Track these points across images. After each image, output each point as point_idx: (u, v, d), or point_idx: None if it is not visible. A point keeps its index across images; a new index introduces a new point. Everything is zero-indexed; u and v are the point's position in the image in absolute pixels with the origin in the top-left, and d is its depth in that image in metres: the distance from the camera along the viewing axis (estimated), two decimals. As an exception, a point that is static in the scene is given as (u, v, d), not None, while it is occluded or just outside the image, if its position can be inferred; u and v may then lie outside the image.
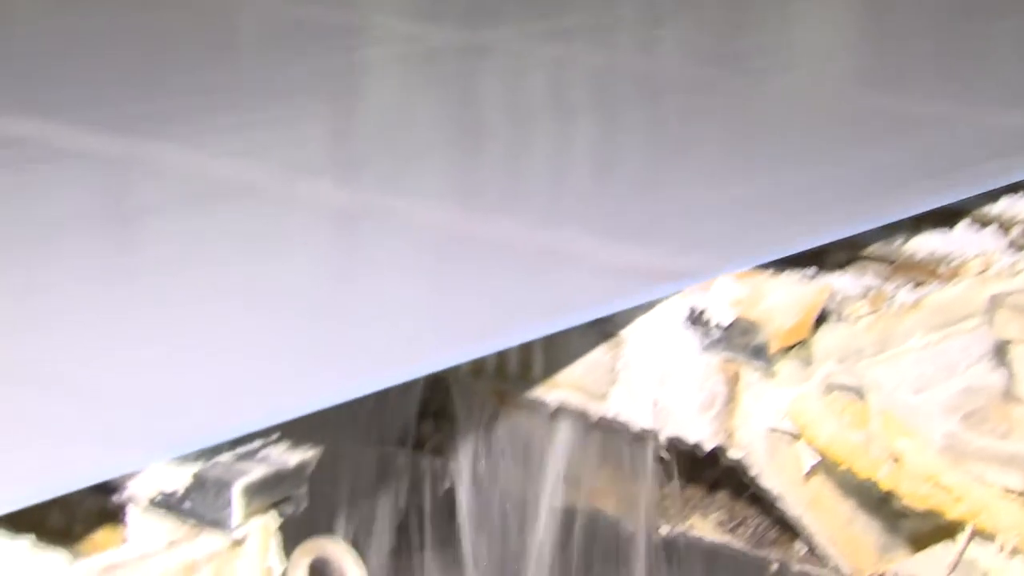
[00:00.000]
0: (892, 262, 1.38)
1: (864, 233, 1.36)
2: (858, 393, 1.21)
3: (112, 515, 1.04)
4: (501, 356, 1.32)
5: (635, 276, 1.23)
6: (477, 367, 1.34)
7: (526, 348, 1.31)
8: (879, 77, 1.81)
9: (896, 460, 1.19)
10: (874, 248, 1.39)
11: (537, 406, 1.36)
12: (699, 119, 1.65)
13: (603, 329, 1.26)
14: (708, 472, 1.42)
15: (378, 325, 1.13)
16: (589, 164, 1.56)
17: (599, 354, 1.27)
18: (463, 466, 1.52)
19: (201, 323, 1.13)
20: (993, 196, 1.44)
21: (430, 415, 1.54)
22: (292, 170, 1.44)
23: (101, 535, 1.06)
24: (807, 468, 1.25)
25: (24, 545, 0.93)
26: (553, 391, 1.31)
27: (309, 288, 1.21)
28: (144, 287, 1.20)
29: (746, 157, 1.53)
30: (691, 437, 1.24)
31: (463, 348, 1.12)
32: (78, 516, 1.07)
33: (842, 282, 1.29)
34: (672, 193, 1.42)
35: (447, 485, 1.56)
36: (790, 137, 1.59)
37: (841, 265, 1.37)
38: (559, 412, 1.35)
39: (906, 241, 1.39)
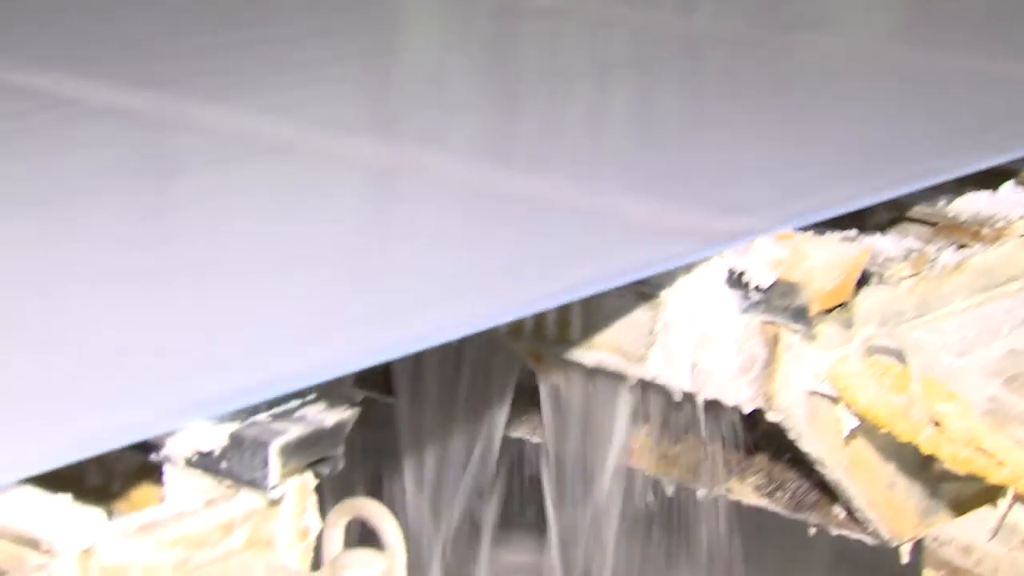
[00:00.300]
0: (935, 223, 1.37)
1: (907, 194, 1.34)
2: (899, 356, 1.20)
3: (150, 474, 1.04)
4: (538, 317, 1.32)
5: (675, 237, 1.22)
6: (515, 328, 1.33)
7: (564, 309, 1.30)
8: (924, 34, 1.79)
9: (937, 424, 1.19)
10: (917, 209, 1.38)
11: (575, 368, 1.36)
12: (740, 78, 1.63)
13: (642, 290, 1.25)
14: (747, 435, 1.42)
15: (414, 285, 1.12)
16: (629, 124, 1.55)
17: (638, 316, 1.27)
18: (503, 429, 1.52)
19: (236, 282, 1.13)
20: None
21: (470, 378, 1.54)
22: (328, 127, 1.43)
23: (139, 493, 1.07)
24: (847, 431, 1.24)
25: (62, 502, 0.93)
26: (591, 353, 1.30)
27: (345, 246, 1.21)
28: (179, 246, 1.20)
29: (788, 117, 1.51)
30: (730, 400, 1.23)
31: (502, 309, 1.11)
32: (116, 474, 1.07)
33: (884, 243, 1.28)
34: (712, 153, 1.41)
35: (480, 446, 1.56)
36: (832, 96, 1.58)
37: (883, 226, 1.36)
38: (597, 373, 1.35)
39: (949, 202, 1.37)
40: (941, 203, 1.38)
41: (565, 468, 1.51)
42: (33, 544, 0.91)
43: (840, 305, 1.21)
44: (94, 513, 0.93)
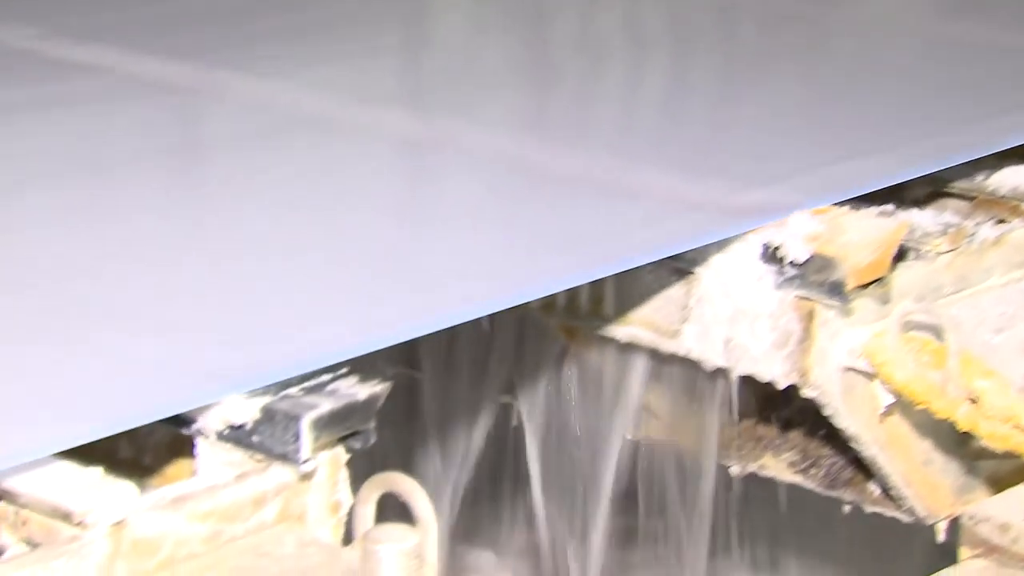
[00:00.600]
0: (973, 198, 1.36)
1: (945, 168, 1.33)
2: (936, 332, 1.19)
3: (182, 447, 1.04)
4: (571, 292, 1.31)
5: (709, 212, 1.21)
6: (547, 303, 1.32)
7: (597, 284, 1.29)
8: (963, 7, 1.77)
9: (974, 400, 1.18)
10: (955, 183, 1.36)
11: (608, 343, 1.35)
12: (776, 51, 1.62)
13: (676, 266, 1.25)
14: (781, 411, 1.41)
15: (448, 260, 1.12)
16: (662, 98, 1.54)
17: (672, 291, 1.26)
18: (534, 403, 1.52)
19: (270, 256, 1.12)
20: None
21: (500, 353, 1.54)
22: (364, 102, 1.43)
23: (171, 467, 1.07)
24: (883, 408, 1.23)
25: (95, 476, 0.93)
26: (624, 328, 1.29)
27: (379, 221, 1.20)
28: (214, 220, 1.20)
29: (824, 90, 1.50)
30: (764, 375, 1.22)
31: (534, 285, 1.10)
32: (148, 448, 1.07)
33: (921, 218, 1.26)
34: (747, 127, 1.40)
35: (516, 422, 1.56)
36: (869, 69, 1.56)
37: (920, 201, 1.35)
38: (630, 349, 1.34)
39: (988, 176, 1.36)
40: (980, 177, 1.36)
41: (589, 442, 1.50)
42: (66, 517, 0.91)
43: (877, 280, 1.20)
44: (126, 486, 0.93)
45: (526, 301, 1.10)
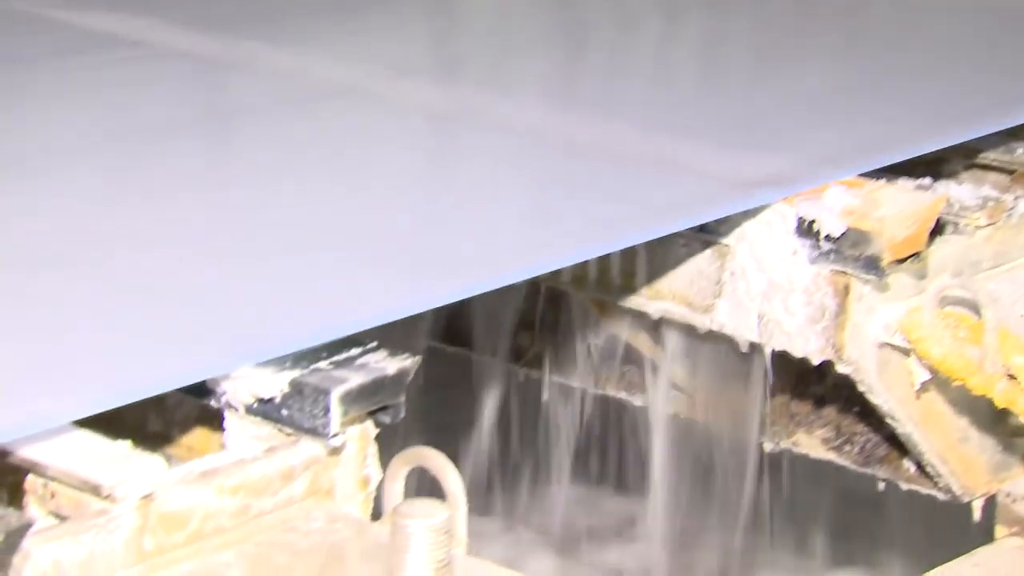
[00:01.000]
0: (1012, 171, 1.34)
1: (983, 140, 1.31)
2: (974, 307, 1.17)
3: (210, 421, 1.04)
4: (603, 265, 1.30)
5: (741, 182, 1.20)
6: (578, 276, 1.31)
7: (628, 257, 1.28)
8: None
9: (1012, 376, 1.16)
10: (994, 157, 1.35)
11: (640, 318, 1.34)
12: (810, 20, 1.60)
13: (708, 239, 1.23)
14: (815, 387, 1.40)
15: (478, 229, 1.11)
16: (695, 68, 1.52)
17: (704, 264, 1.25)
18: (564, 378, 1.51)
19: (301, 226, 1.12)
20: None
21: (528, 326, 1.53)
22: (395, 72, 1.42)
23: (199, 441, 1.06)
24: (919, 384, 1.22)
25: (123, 449, 0.93)
26: (656, 303, 1.28)
27: (410, 191, 1.19)
28: (245, 190, 1.19)
29: (859, 59, 1.48)
30: (798, 351, 1.21)
31: (564, 253, 1.10)
32: (176, 421, 1.07)
33: (959, 192, 1.25)
34: (781, 97, 1.38)
35: (544, 396, 1.55)
36: (905, 39, 1.54)
37: (958, 174, 1.33)
38: (662, 323, 1.33)
39: (1027, 150, 1.34)
40: (1019, 151, 1.35)
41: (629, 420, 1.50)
42: (94, 490, 0.91)
43: (913, 255, 1.19)
44: (154, 460, 0.92)
45: (555, 269, 1.09)
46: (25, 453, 0.92)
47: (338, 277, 1.04)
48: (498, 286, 1.04)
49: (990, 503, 1.31)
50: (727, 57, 1.54)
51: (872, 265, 1.17)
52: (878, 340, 1.20)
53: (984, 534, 1.30)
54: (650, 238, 1.14)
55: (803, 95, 1.39)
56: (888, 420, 1.25)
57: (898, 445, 1.32)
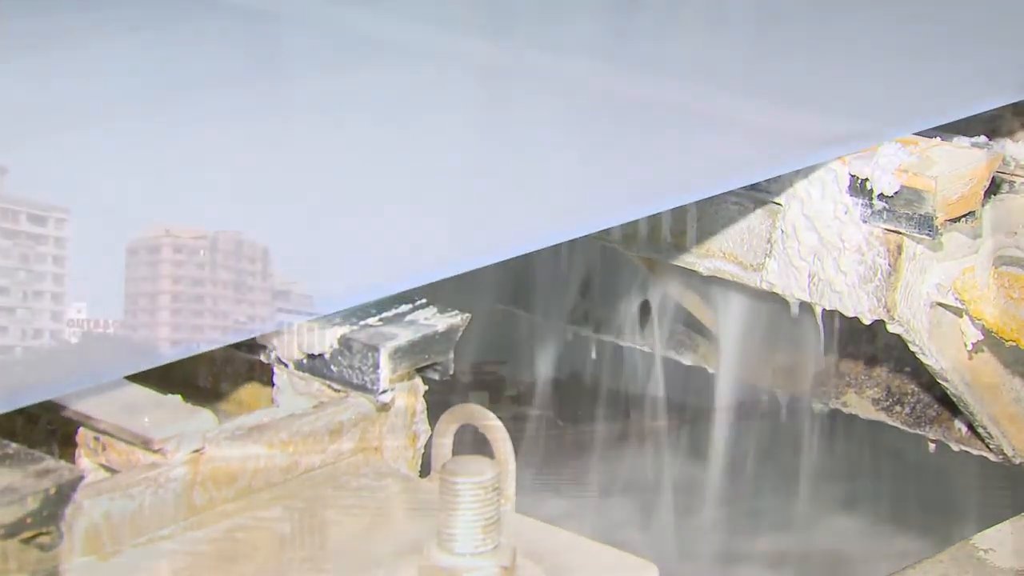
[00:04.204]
0: (1070, 130, 1.32)
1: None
2: (1029, 268, 1.16)
3: (260, 377, 1.04)
4: (653, 224, 1.29)
5: (793, 140, 1.18)
6: (629, 235, 1.31)
7: (679, 216, 1.27)
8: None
9: (1067, 338, 1.15)
10: (1052, 114, 1.33)
11: (690, 276, 1.33)
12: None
13: (759, 197, 1.22)
14: (866, 347, 1.39)
15: (529, 187, 1.11)
16: (748, 26, 1.51)
17: (755, 223, 1.24)
18: (614, 336, 1.51)
19: (350, 182, 1.11)
20: None
21: (591, 291, 1.53)
22: (447, 27, 1.41)
23: (249, 396, 1.07)
24: (971, 344, 1.20)
25: (173, 403, 0.93)
26: (707, 261, 1.27)
27: (461, 147, 1.19)
28: (295, 144, 1.19)
29: (914, 17, 1.46)
30: (850, 310, 1.20)
31: (617, 211, 1.09)
32: (226, 376, 1.07)
33: (1015, 150, 1.23)
34: (834, 55, 1.37)
35: (593, 354, 1.55)
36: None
37: (1015, 132, 1.31)
38: (714, 282, 1.33)
39: (1085, 108, 1.32)
40: (1077, 109, 1.33)
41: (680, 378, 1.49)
42: (145, 444, 0.91)
43: (968, 214, 1.17)
44: (205, 415, 0.93)
45: (608, 227, 1.08)
46: (77, 406, 0.92)
47: (389, 233, 1.04)
48: (552, 243, 1.03)
49: (1042, 465, 1.30)
50: (783, 15, 1.52)
51: (926, 224, 1.16)
52: (931, 300, 1.19)
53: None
54: (706, 196, 1.13)
55: (859, 53, 1.37)
56: (939, 381, 1.24)
57: (949, 406, 1.31)
